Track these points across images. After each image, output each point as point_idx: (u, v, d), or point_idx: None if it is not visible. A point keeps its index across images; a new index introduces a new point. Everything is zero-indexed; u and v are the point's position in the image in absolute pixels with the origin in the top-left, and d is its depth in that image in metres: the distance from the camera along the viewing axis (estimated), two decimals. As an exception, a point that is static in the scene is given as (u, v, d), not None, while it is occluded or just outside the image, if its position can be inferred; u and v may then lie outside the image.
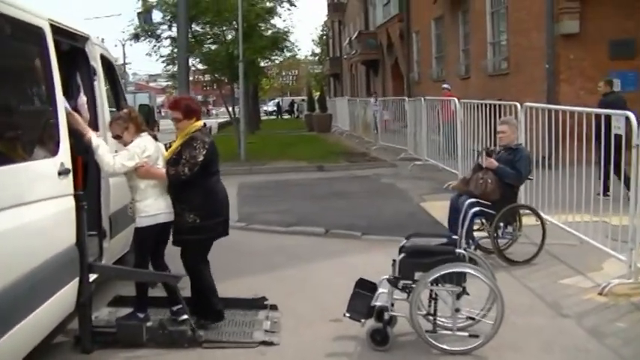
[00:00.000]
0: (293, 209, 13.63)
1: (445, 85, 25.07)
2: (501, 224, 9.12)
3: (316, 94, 53.13)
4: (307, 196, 15.28)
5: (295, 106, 76.05)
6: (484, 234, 9.34)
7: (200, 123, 6.88)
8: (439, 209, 12.94)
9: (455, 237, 6.58)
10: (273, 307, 7.45)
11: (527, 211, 9.66)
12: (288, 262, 9.67)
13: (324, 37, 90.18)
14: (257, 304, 7.50)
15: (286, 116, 75.31)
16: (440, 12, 31.74)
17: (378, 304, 6.19)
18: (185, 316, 6.75)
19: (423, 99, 19.77)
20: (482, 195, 9.00)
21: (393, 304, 6.22)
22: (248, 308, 7.41)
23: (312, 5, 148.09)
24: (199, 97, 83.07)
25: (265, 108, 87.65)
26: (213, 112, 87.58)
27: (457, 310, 6.10)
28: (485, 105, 14.22)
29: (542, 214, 9.72)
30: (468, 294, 6.15)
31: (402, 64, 40.47)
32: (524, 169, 9.24)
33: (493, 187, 9.04)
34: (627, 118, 8.09)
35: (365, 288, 6.44)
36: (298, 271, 9.22)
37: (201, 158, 6.60)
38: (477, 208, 6.19)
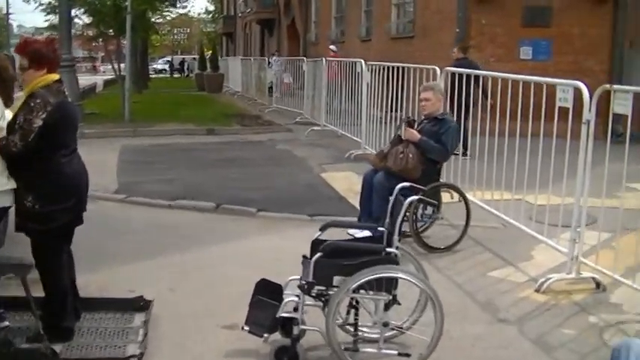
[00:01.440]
0: (180, 178, 12.11)
1: (332, 47, 25.51)
2: (421, 205, 7.93)
3: (208, 53, 51.17)
4: (196, 164, 13.75)
5: (186, 64, 74.13)
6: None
7: (52, 77, 5.09)
8: (341, 181, 11.81)
9: (381, 228, 5.27)
10: (150, 308, 5.91)
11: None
12: (173, 245, 8.13)
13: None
14: (132, 305, 5.93)
15: (176, 75, 73.21)
16: (341, -30, 30.48)
17: (285, 315, 4.85)
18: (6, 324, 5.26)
19: (324, 60, 18.40)
20: (401, 171, 7.77)
21: (304, 315, 4.89)
22: (121, 311, 5.85)
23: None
24: (83, 53, 79.87)
25: (155, 66, 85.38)
26: (102, 69, 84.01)
27: (385, 325, 4.82)
28: (397, 68, 12.95)
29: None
30: (399, 303, 4.89)
31: (299, 24, 39.08)
32: (450, 143, 8.04)
33: (414, 163, 7.82)
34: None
35: (267, 292, 5.05)
36: (184, 258, 7.72)
37: (38, 124, 4.85)
38: (415, 197, 4.90)
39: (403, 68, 12.69)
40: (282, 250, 7.89)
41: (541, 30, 18.19)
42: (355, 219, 8.43)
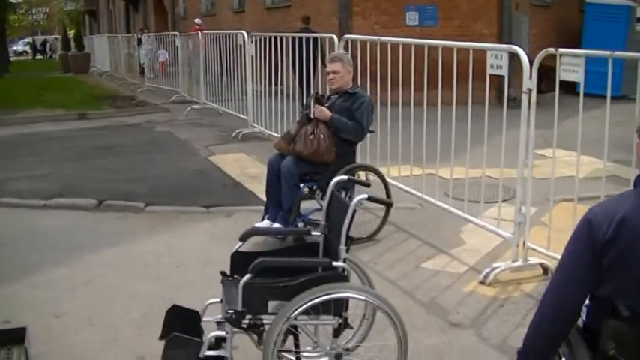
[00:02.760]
0: (54, 173, 10.76)
1: (197, 20, 25.39)
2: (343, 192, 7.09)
3: (71, 33, 48.83)
4: (70, 154, 12.37)
5: (48, 45, 70.86)
6: (314, 205, 7.18)
7: None
8: (233, 164, 10.91)
9: (315, 233, 4.38)
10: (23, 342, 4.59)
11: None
12: (53, 256, 6.93)
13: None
14: (10, 337, 4.64)
15: (39, 57, 70.03)
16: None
17: (210, 354, 3.87)
18: None
19: (200, 34, 17.23)
20: (312, 155, 6.88)
21: (233, 352, 3.91)
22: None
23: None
24: None
25: (15, 48, 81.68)
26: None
27: (339, 358, 3.92)
28: (284, 39, 11.99)
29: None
30: (351, 327, 4.01)
31: (165, -3, 37.54)
32: (366, 120, 7.15)
33: (327, 145, 6.93)
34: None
35: (182, 323, 4.02)
36: (68, 272, 6.53)
37: None
38: (363, 196, 3.99)
39: (294, 39, 11.75)
40: (180, 252, 6.99)
41: (427, -5, 17.57)
42: (261, 209, 7.49)
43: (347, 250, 3.92)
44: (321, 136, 6.90)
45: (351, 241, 3.93)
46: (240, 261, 4.07)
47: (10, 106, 18.96)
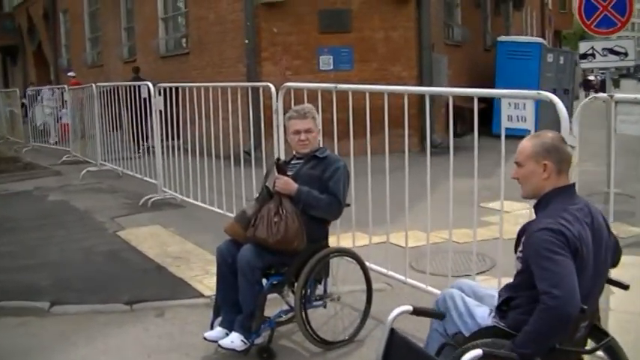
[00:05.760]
0: None
1: (70, 73, 24.57)
2: (312, 284, 5.50)
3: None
4: (-53, 234, 10.34)
5: None
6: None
7: None
8: (149, 240, 9.21)
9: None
10: None
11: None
12: None
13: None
14: None
15: None
16: (93, -15, 27.40)
17: None
18: None
19: (94, 86, 15.37)
20: (280, 243, 5.25)
21: None
22: None
23: None
24: None
25: None
26: None
27: None
28: (201, 90, 10.34)
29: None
30: None
31: (47, 49, 35.28)
32: (342, 191, 5.57)
33: (297, 228, 5.29)
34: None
35: None
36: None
37: None
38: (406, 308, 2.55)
39: (207, 89, 10.14)
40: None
41: (340, 36, 16.24)
42: (198, 303, 5.85)
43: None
44: (289, 217, 5.28)
45: None
46: None
47: None
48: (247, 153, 9.94)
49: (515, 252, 3.85)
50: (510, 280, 3.85)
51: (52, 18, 33.36)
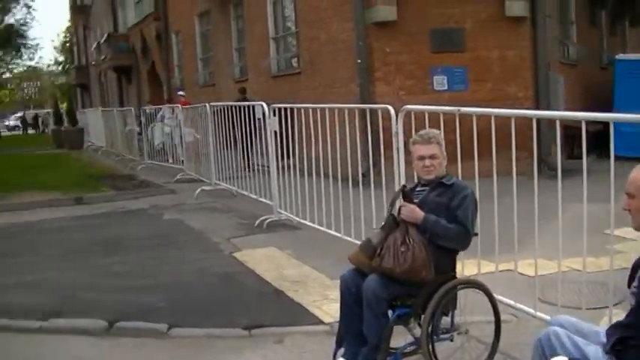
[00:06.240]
0: (49, 279, 8.81)
1: (181, 92, 24.87)
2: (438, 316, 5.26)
3: (63, 106, 47.36)
4: (67, 252, 10.44)
5: (40, 119, 70.05)
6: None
7: None
8: (265, 263, 9.06)
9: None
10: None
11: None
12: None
13: (68, 43, 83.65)
14: None
15: (31, 131, 69.03)
16: (205, 7, 27.75)
17: None
18: None
19: (207, 105, 15.50)
20: (407, 273, 5.04)
21: None
22: None
23: (53, 8, 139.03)
24: None
25: (7, 123, 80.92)
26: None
27: None
28: (315, 110, 10.26)
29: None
30: None
31: (160, 68, 36.01)
32: (470, 220, 5.32)
33: (424, 258, 5.07)
34: None
35: None
36: None
37: None
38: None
39: (323, 110, 10.05)
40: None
41: (454, 56, 15.94)
42: (318, 329, 5.69)
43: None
44: (416, 247, 5.07)
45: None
46: None
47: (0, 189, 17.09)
48: (363, 175, 9.76)
49: (629, 287, 3.63)
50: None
51: (164, 39, 34.07)
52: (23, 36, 23.57)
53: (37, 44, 53.76)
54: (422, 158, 5.43)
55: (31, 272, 9.26)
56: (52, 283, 8.64)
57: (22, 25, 22.80)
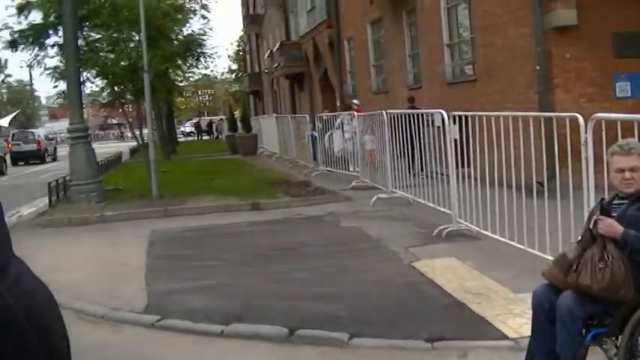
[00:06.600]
0: (227, 283, 8.99)
1: (355, 101, 24.40)
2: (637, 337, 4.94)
3: (237, 113, 48.71)
4: (245, 256, 10.61)
5: (214, 126, 72.40)
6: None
7: None
8: (445, 273, 8.82)
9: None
10: None
11: None
12: None
13: (241, 52, 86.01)
14: None
15: (205, 137, 71.61)
16: (377, 14, 27.74)
17: None
18: None
19: (384, 112, 15.45)
20: (605, 291, 4.76)
21: None
22: None
23: (226, 18, 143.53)
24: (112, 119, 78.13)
25: (183, 129, 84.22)
26: (129, 134, 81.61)
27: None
28: (496, 119, 10.01)
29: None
30: None
31: (332, 75, 36.32)
32: None
33: (623, 275, 4.78)
34: None
35: None
36: None
37: None
38: None
39: (503, 118, 9.79)
40: None
41: (638, 60, 15.18)
42: (503, 345, 5.46)
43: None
44: (614, 263, 4.78)
45: None
46: None
47: (178, 193, 17.71)
48: (540, 184, 9.42)
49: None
50: None
51: (337, 46, 34.30)
52: (202, 45, 24.24)
53: (216, 52, 55.20)
54: (621, 171, 5.08)
55: (210, 276, 9.46)
56: (231, 288, 8.79)
57: (200, 35, 23.45)
